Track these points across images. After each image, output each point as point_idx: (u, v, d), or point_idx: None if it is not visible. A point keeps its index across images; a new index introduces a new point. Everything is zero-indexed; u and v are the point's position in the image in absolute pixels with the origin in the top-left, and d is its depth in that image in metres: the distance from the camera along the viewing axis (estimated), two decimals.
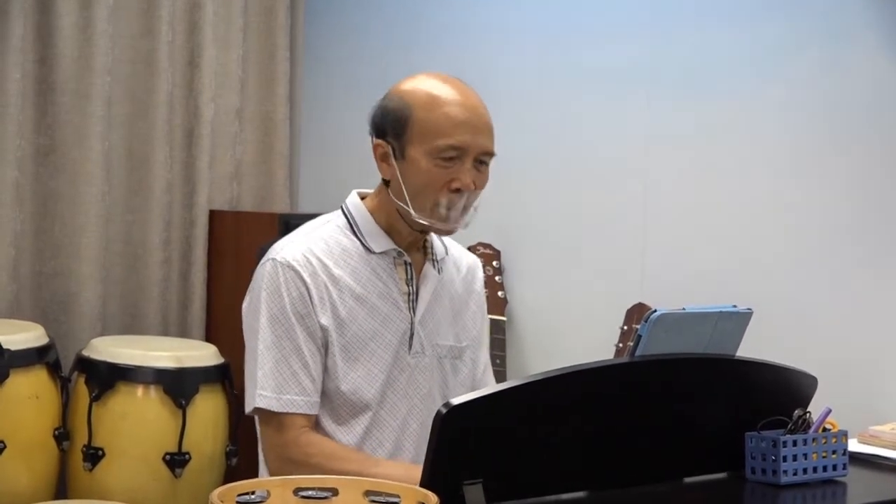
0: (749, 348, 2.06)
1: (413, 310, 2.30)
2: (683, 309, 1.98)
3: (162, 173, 3.95)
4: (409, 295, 2.30)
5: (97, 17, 3.77)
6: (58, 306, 3.79)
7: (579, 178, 3.50)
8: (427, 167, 2.19)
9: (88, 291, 3.78)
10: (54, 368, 3.36)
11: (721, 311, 1.98)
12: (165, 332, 3.97)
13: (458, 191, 2.19)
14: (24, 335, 3.29)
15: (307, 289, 2.21)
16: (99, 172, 3.79)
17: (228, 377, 3.50)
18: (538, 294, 3.58)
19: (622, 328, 3.03)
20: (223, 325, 4.00)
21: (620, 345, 2.90)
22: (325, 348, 2.23)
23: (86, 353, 3.44)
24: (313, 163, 4.30)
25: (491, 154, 2.24)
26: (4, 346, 3.12)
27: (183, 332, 4.00)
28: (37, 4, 3.74)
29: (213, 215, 4.07)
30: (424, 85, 2.24)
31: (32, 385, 3.26)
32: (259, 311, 2.22)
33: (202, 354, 3.47)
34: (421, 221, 2.22)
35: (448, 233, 2.27)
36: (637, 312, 3.03)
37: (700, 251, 3.24)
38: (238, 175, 4.18)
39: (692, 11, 3.27)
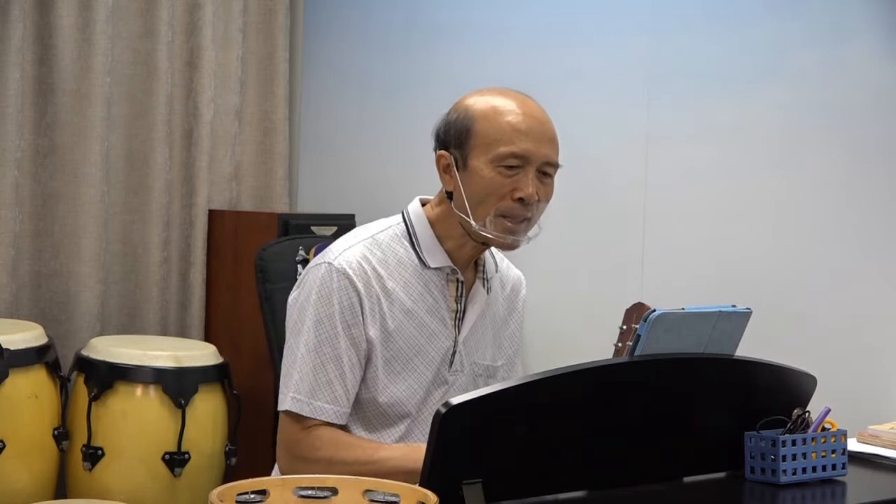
0: (749, 348, 2.06)
1: (458, 328, 2.29)
2: (683, 309, 1.98)
3: (161, 173, 3.94)
4: (456, 312, 2.29)
5: (97, 18, 3.77)
6: (57, 306, 3.78)
7: (579, 178, 3.49)
8: (489, 175, 2.17)
9: (88, 291, 3.78)
10: (53, 368, 3.36)
11: (720, 311, 1.98)
12: (164, 332, 3.97)
13: (520, 200, 2.18)
14: (24, 335, 3.29)
15: (359, 298, 2.19)
16: (98, 173, 3.79)
17: (227, 377, 3.50)
18: (538, 294, 3.56)
19: (621, 328, 3.02)
20: (222, 325, 4.00)
21: (619, 344, 2.89)
22: (367, 360, 2.21)
23: (85, 352, 3.44)
24: (312, 163, 4.30)
25: (555, 165, 2.23)
26: (4, 346, 3.12)
27: (182, 332, 4.00)
28: (37, 5, 3.74)
29: (213, 215, 4.07)
30: (487, 97, 2.24)
31: (32, 385, 3.26)
32: (306, 311, 2.20)
33: (201, 354, 3.47)
34: (483, 234, 2.20)
35: (510, 247, 2.24)
36: (636, 312, 3.01)
37: (700, 251, 3.24)
38: (237, 175, 4.18)
39: (692, 11, 3.27)
